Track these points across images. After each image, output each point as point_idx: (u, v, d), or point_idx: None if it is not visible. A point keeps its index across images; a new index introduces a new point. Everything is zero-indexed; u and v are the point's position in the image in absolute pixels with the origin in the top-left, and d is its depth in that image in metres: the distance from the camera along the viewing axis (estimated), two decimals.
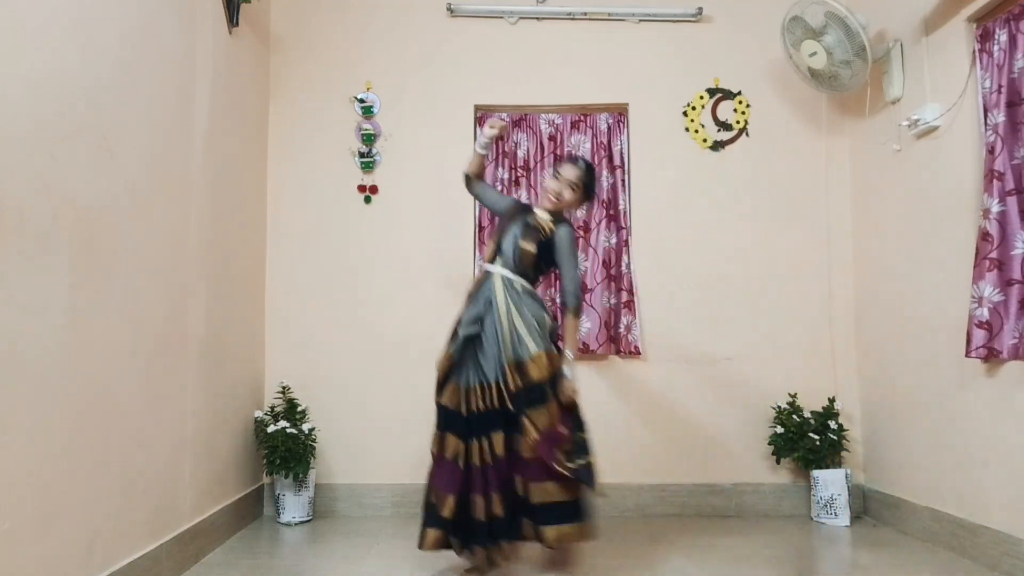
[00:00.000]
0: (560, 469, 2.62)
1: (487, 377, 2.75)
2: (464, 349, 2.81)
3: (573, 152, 2.96)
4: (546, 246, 2.86)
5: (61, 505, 2.13)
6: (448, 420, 2.79)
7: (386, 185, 4.09)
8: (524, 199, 4.10)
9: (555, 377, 2.73)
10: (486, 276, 2.89)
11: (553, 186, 2.91)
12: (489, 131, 2.96)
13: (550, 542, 2.69)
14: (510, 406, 2.70)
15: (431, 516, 2.74)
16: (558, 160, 2.94)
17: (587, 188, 2.95)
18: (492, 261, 2.90)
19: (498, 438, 2.70)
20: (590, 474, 2.70)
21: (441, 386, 2.85)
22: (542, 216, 2.91)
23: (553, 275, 3.84)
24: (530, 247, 2.84)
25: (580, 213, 3.03)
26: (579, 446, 2.72)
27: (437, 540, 2.72)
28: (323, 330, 4.02)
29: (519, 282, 2.84)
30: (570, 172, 2.90)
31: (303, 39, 4.15)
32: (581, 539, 2.72)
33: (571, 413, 2.76)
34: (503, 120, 3.23)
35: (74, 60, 2.22)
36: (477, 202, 4.09)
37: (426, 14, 4.16)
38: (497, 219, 3.31)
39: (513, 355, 2.72)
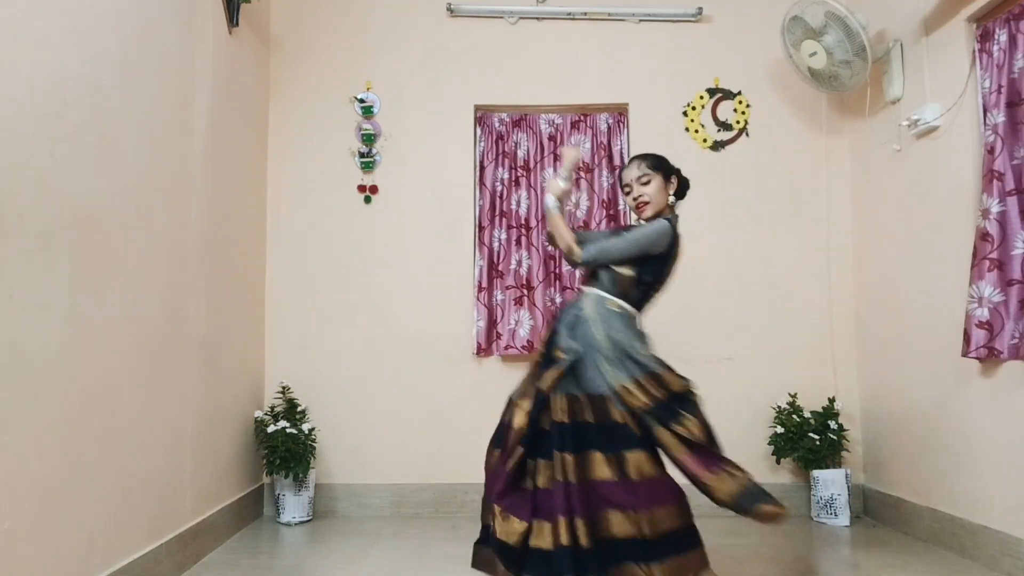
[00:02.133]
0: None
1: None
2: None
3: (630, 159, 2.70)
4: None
5: (61, 505, 2.13)
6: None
7: (386, 185, 4.09)
8: (524, 200, 4.11)
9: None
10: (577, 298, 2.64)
11: (631, 198, 2.66)
12: (566, 172, 2.63)
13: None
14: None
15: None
16: (617, 177, 2.75)
17: (659, 168, 2.64)
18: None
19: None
20: None
21: None
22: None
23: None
24: (626, 271, 2.54)
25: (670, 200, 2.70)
26: None
27: None
28: (323, 330, 4.02)
29: (610, 299, 2.55)
30: (630, 172, 2.65)
31: (303, 39, 4.15)
32: None
33: None
34: (578, 147, 2.93)
35: (74, 60, 2.22)
36: (477, 202, 4.11)
37: (426, 14, 4.16)
38: None
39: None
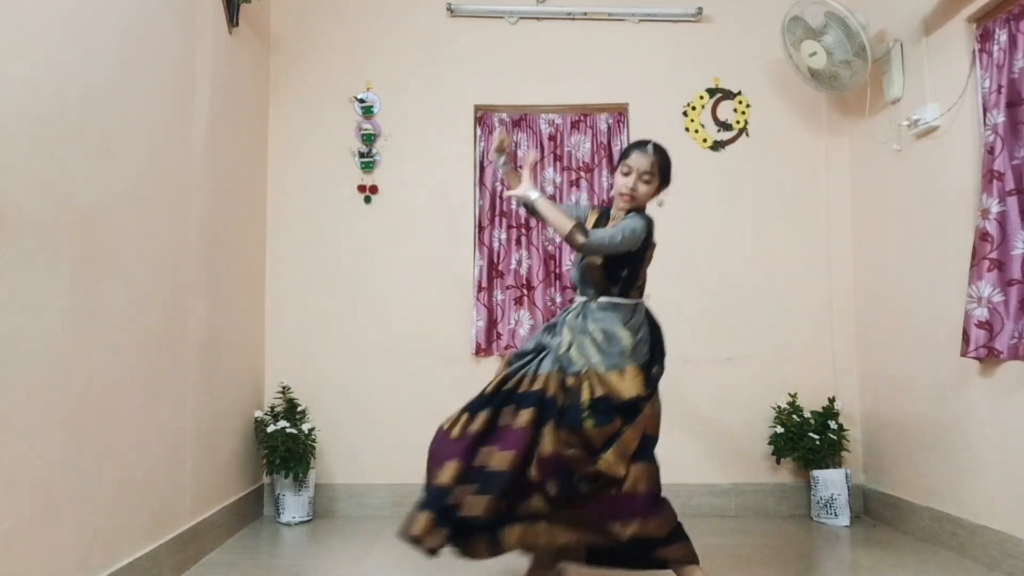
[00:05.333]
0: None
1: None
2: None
3: (639, 141, 2.61)
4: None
5: (61, 505, 2.13)
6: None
7: (386, 185, 4.09)
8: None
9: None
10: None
11: (626, 183, 2.54)
12: (494, 155, 2.67)
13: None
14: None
15: None
16: (624, 152, 2.60)
17: (663, 173, 2.56)
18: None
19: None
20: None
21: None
22: (616, 219, 2.60)
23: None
24: (592, 258, 2.53)
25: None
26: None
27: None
28: (323, 330, 4.02)
29: (597, 301, 2.54)
30: (641, 161, 2.52)
31: (303, 39, 4.15)
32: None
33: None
34: (502, 126, 2.89)
35: (74, 60, 2.22)
36: (477, 202, 4.11)
37: (426, 14, 4.16)
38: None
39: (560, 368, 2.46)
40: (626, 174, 2.55)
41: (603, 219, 2.67)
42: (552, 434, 2.39)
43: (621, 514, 2.38)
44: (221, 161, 3.38)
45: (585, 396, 2.40)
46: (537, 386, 2.45)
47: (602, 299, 2.54)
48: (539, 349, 2.56)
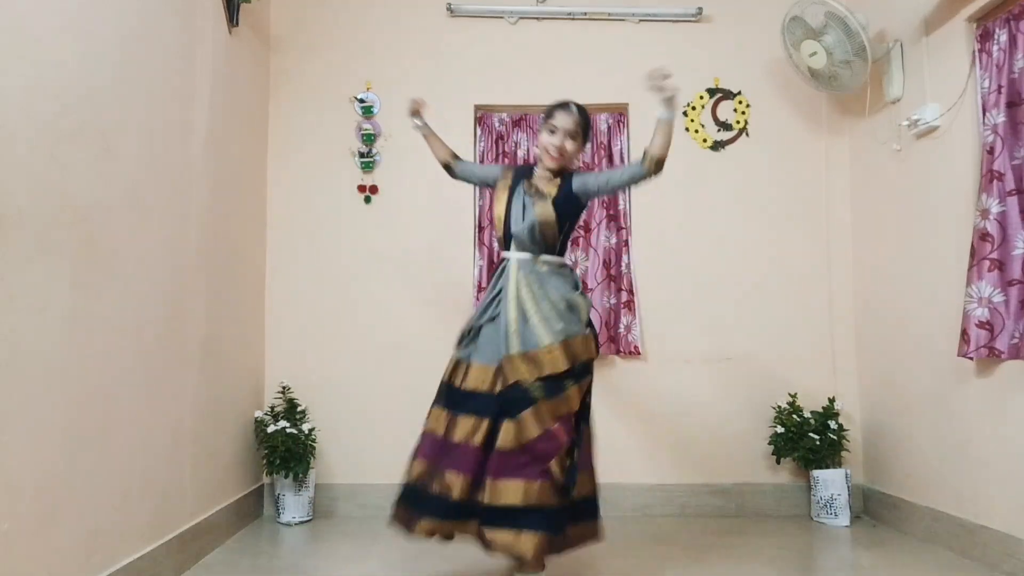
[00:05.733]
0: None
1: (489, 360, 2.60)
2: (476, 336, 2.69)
3: (560, 101, 2.72)
4: (565, 204, 2.64)
5: (61, 505, 2.13)
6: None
7: (386, 185, 4.09)
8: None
9: (577, 369, 2.54)
10: (502, 266, 2.70)
11: (553, 141, 2.65)
12: (411, 118, 3.05)
13: (498, 547, 2.45)
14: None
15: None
16: (548, 112, 2.70)
17: (585, 133, 2.72)
18: (507, 248, 2.70)
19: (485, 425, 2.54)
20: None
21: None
22: (543, 177, 2.71)
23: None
24: (548, 214, 2.61)
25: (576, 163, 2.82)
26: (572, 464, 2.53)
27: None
28: (323, 330, 4.02)
29: (544, 259, 2.65)
30: (566, 120, 2.65)
31: (303, 39, 4.15)
32: (542, 551, 2.45)
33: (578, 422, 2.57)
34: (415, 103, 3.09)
35: (74, 60, 2.22)
36: (477, 202, 4.11)
37: (426, 14, 4.16)
38: (490, 195, 3.10)
39: (521, 347, 2.51)
40: (552, 132, 2.66)
41: (520, 177, 2.75)
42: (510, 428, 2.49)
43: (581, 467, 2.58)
44: (221, 161, 3.38)
45: (548, 370, 2.49)
46: (484, 386, 2.57)
47: (549, 259, 2.65)
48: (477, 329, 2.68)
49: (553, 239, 2.65)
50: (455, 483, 2.50)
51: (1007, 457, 2.84)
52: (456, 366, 2.70)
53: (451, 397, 2.65)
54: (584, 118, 2.71)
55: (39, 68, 2.06)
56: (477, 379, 2.60)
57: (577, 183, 2.68)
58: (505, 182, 2.78)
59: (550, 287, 2.60)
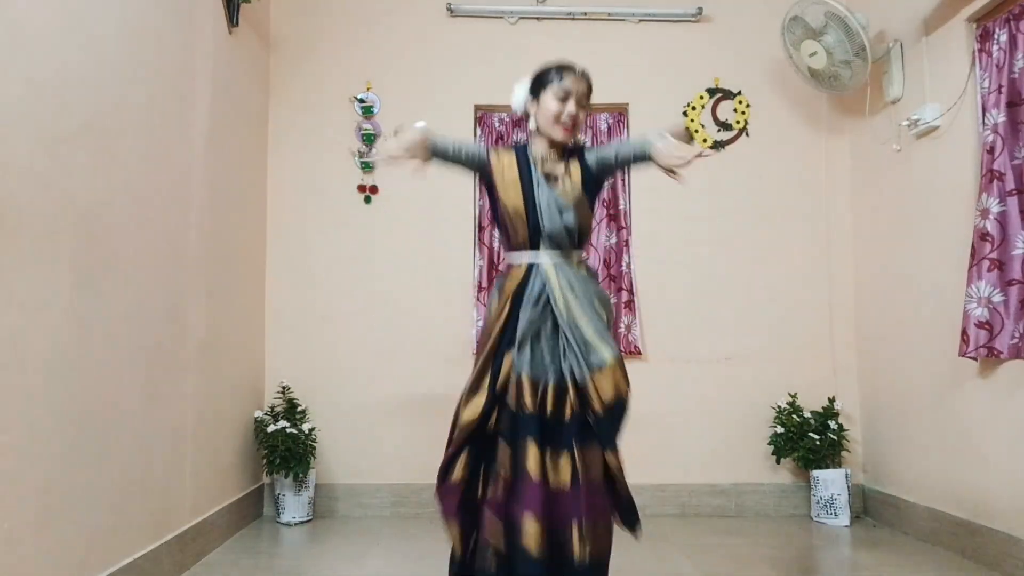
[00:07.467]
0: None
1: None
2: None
3: (561, 61, 2.27)
4: (594, 188, 2.23)
5: (61, 505, 2.13)
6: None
7: (386, 185, 4.09)
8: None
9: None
10: (524, 273, 2.19)
11: (567, 109, 2.17)
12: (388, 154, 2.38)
13: None
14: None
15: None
16: (549, 75, 2.22)
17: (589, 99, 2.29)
18: (534, 247, 2.18)
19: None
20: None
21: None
22: (551, 157, 2.23)
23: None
24: (585, 204, 2.17)
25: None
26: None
27: None
28: (323, 330, 4.02)
29: (579, 259, 2.22)
30: (579, 84, 2.20)
31: (303, 39, 4.15)
32: None
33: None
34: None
35: (74, 60, 2.22)
36: (477, 202, 4.11)
37: (426, 14, 4.16)
38: (483, 184, 2.44)
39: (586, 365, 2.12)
40: (563, 99, 2.17)
41: (524, 160, 2.25)
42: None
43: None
44: (221, 161, 3.38)
45: (611, 397, 2.15)
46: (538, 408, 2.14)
47: (581, 258, 2.22)
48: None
49: (586, 233, 2.24)
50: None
51: (1007, 457, 2.84)
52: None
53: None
54: (590, 88, 2.27)
55: (39, 68, 2.06)
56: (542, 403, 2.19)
57: (592, 159, 2.23)
58: (509, 168, 2.24)
59: (591, 293, 2.18)
